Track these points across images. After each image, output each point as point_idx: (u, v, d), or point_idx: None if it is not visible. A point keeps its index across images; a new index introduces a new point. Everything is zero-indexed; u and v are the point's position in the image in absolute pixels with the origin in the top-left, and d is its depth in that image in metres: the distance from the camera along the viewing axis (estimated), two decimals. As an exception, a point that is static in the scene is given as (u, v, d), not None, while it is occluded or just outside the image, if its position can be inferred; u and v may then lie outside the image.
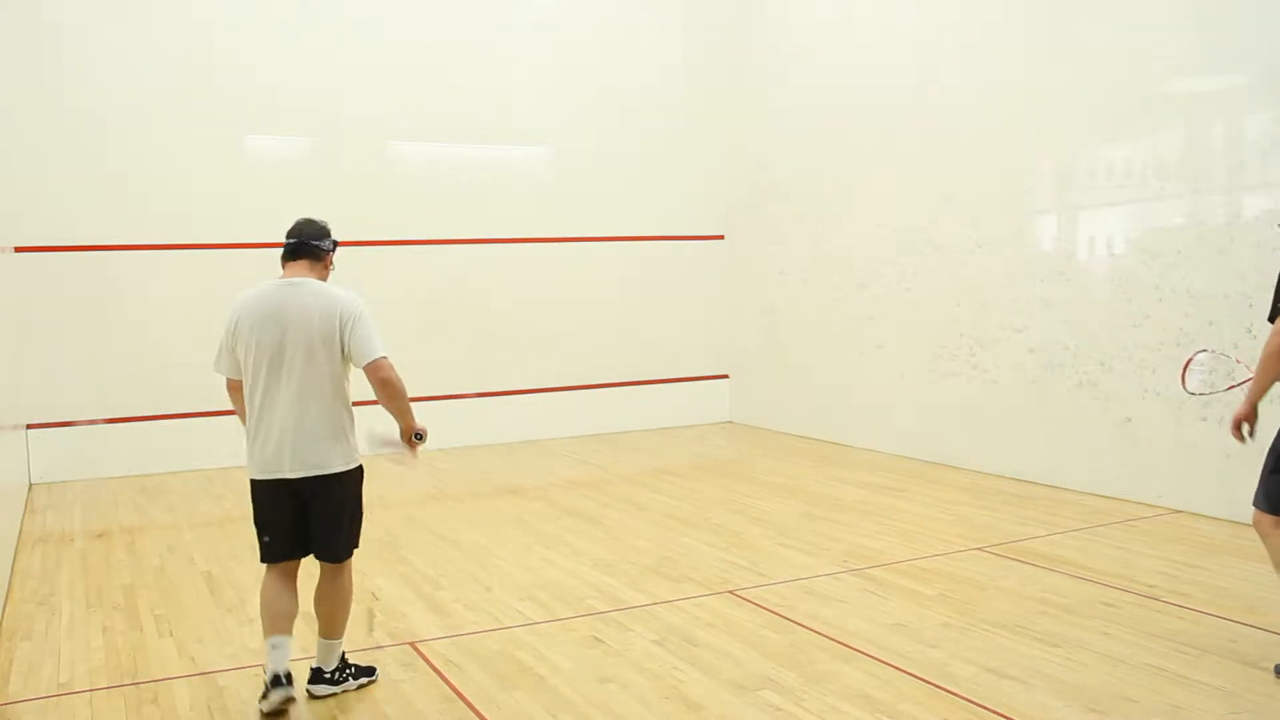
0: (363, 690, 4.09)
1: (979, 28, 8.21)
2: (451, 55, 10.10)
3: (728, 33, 11.24)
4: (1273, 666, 4.07)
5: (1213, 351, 4.94)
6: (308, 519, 3.97)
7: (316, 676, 4.05)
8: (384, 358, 3.91)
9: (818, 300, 10.11)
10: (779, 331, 10.74)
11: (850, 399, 9.75)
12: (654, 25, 11.08)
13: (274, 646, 3.87)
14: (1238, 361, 4.77)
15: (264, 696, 3.84)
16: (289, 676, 3.85)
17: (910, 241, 8.91)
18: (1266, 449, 3.98)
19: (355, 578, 5.60)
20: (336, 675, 4.06)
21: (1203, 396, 4.49)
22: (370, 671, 4.18)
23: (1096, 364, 7.30)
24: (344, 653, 4.14)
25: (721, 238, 11.46)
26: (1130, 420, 7.06)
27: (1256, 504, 3.98)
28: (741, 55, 11.16)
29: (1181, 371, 4.71)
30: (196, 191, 9.17)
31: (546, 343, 10.54)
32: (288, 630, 3.93)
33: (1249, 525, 4.00)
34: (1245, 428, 3.99)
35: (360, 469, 4.05)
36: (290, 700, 3.86)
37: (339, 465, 3.92)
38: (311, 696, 4.02)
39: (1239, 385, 4.34)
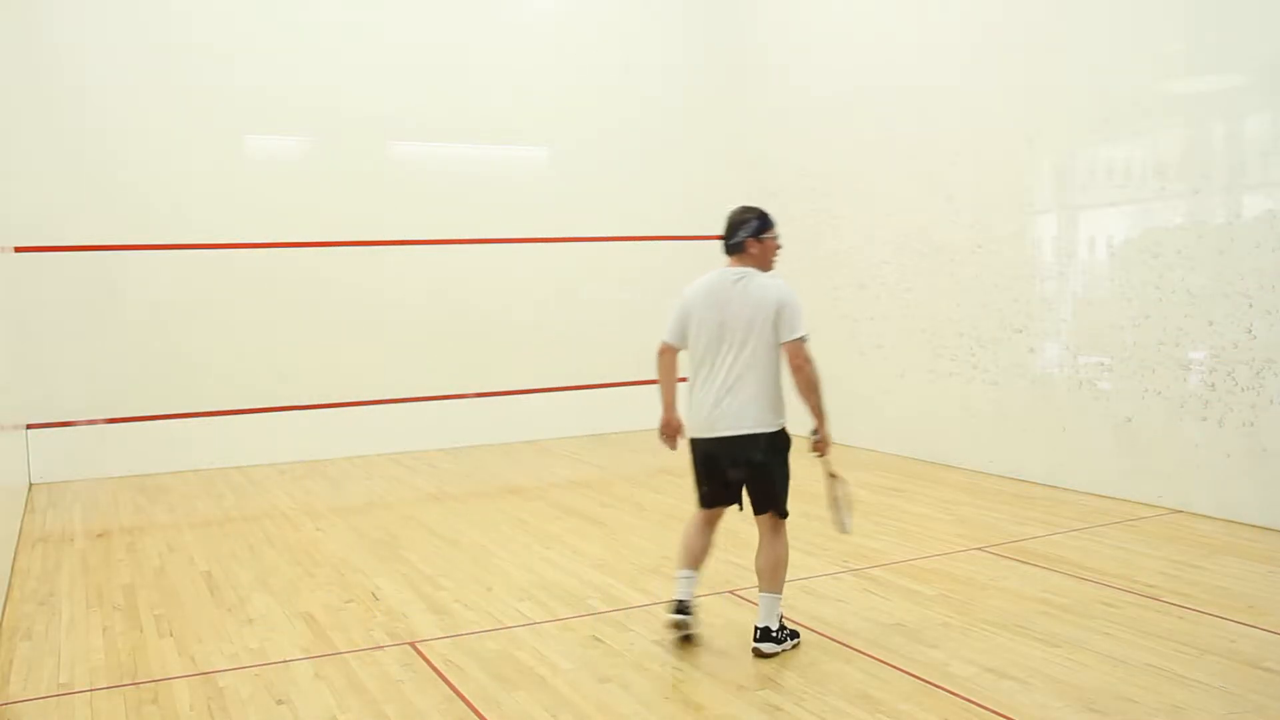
0: (363, 691, 4.08)
1: (979, 28, 8.21)
2: (452, 55, 10.10)
3: (728, 33, 11.23)
4: None
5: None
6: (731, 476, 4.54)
7: (765, 635, 4.37)
8: (800, 339, 4.61)
9: (817, 300, 10.10)
10: (779, 331, 10.71)
11: (850, 399, 9.71)
12: (654, 25, 11.08)
13: (680, 578, 4.50)
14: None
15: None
16: (685, 605, 4.43)
17: (910, 241, 8.91)
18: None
19: (356, 576, 5.68)
20: (779, 635, 4.40)
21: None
22: (795, 635, 4.48)
23: (1096, 364, 7.31)
24: (780, 614, 4.47)
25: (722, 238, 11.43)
26: (1130, 420, 7.06)
27: None
28: (741, 56, 11.16)
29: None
30: (196, 191, 9.17)
31: (546, 343, 10.53)
32: (693, 566, 4.52)
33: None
34: None
35: (784, 433, 4.65)
36: (685, 627, 4.43)
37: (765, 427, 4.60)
38: (760, 655, 4.34)
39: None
